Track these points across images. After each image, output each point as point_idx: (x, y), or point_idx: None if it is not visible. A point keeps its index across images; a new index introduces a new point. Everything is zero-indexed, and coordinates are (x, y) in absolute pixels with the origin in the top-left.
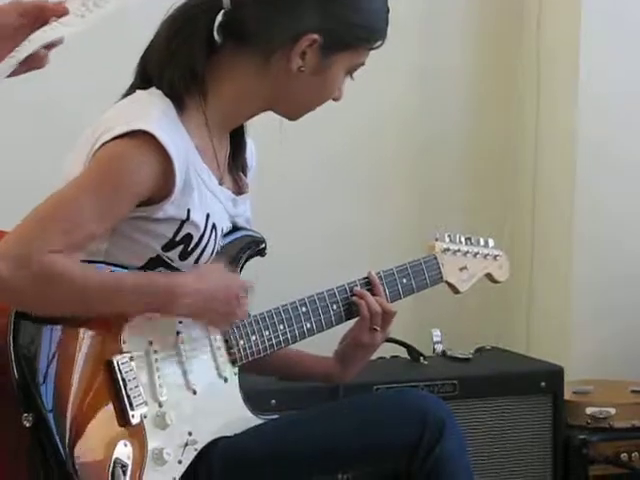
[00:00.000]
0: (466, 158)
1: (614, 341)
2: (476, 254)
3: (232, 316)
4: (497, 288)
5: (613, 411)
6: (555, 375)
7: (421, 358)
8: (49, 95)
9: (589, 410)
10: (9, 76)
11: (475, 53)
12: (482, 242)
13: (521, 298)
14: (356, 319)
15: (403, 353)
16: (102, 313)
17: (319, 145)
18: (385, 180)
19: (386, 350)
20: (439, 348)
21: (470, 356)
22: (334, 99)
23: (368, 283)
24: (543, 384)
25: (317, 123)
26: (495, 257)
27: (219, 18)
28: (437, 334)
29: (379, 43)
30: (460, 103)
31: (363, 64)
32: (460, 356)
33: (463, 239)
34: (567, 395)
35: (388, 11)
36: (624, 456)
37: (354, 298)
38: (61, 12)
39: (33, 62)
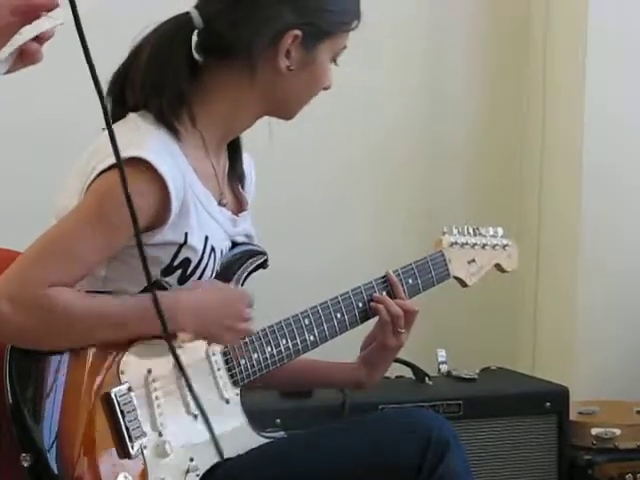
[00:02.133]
0: (473, 177)
1: (620, 362)
2: (484, 245)
3: (236, 330)
4: (503, 309)
5: (618, 432)
6: (560, 395)
7: (426, 378)
8: (37, 115)
9: (594, 431)
10: (5, 73)
11: (482, 76)
12: (491, 232)
13: (527, 319)
14: (374, 319)
15: (408, 373)
16: (106, 340)
17: (327, 162)
18: (393, 196)
19: (391, 370)
20: (444, 368)
21: (475, 376)
22: (325, 88)
23: (386, 282)
24: (548, 404)
25: (326, 140)
26: (504, 246)
27: (194, 38)
28: (442, 354)
29: (356, 23)
30: (467, 121)
31: (345, 47)
32: (465, 376)
33: (472, 230)
34: (572, 416)
35: None
36: (629, 477)
37: (372, 303)
38: (51, 6)
39: (27, 57)
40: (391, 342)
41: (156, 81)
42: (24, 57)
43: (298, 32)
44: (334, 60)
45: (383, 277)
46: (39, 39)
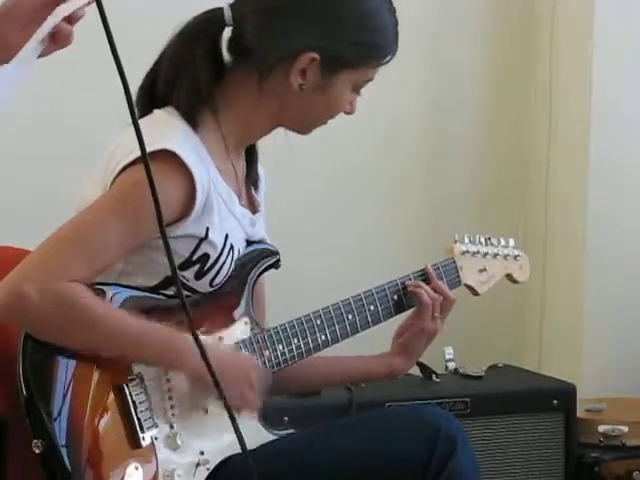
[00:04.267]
0: (479, 173)
1: (627, 359)
2: (496, 255)
3: (244, 397)
4: (510, 306)
5: (626, 429)
6: (567, 393)
7: (433, 376)
8: (53, 108)
9: (601, 428)
10: (39, 57)
11: (487, 76)
12: (503, 242)
13: (534, 316)
14: (407, 312)
15: (415, 371)
16: (108, 354)
17: (334, 160)
18: (399, 194)
19: None
20: (451, 366)
21: (482, 374)
22: (346, 113)
23: (423, 274)
24: (555, 402)
25: (331, 136)
26: (515, 257)
27: (226, 35)
28: (449, 352)
29: (387, 59)
30: (472, 123)
31: (371, 80)
32: (472, 374)
33: (483, 240)
34: (579, 413)
35: (397, 25)
36: (636, 474)
37: (410, 289)
38: None
39: (59, 39)
40: (429, 326)
41: (177, 72)
42: (57, 39)
43: (316, 55)
44: (356, 90)
45: (420, 270)
46: (70, 19)
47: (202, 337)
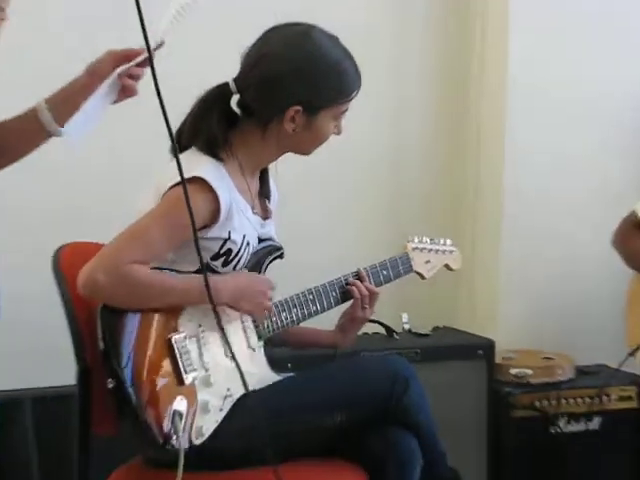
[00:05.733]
0: (425, 185)
1: (531, 323)
2: (437, 251)
3: (261, 306)
4: (449, 283)
5: (530, 372)
6: (489, 346)
7: (394, 334)
8: (123, 145)
9: (513, 371)
10: (113, 103)
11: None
12: (442, 241)
13: (465, 291)
14: (350, 302)
15: (381, 330)
16: (168, 305)
17: (315, 173)
18: (368, 214)
19: (370, 328)
20: (407, 327)
21: (429, 332)
22: (336, 134)
23: (358, 274)
24: (480, 352)
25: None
26: (451, 252)
27: (234, 99)
28: (405, 317)
29: (354, 95)
30: (425, 163)
31: (347, 110)
32: (421, 332)
33: (428, 240)
34: (497, 360)
35: (356, 66)
36: (537, 403)
37: (348, 286)
38: (139, 54)
39: (127, 91)
40: (360, 315)
41: (198, 127)
42: (125, 91)
43: (299, 107)
44: (337, 120)
45: (355, 272)
46: (133, 78)
47: (227, 275)
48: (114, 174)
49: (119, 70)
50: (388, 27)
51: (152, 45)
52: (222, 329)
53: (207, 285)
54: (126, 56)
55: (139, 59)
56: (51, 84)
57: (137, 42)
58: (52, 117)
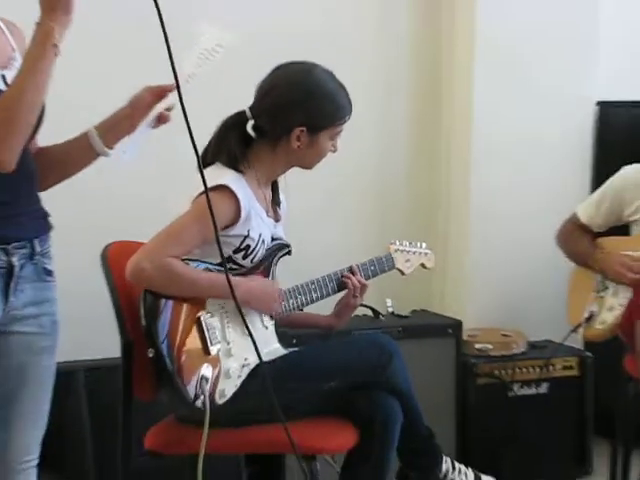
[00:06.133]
0: (406, 200)
1: (492, 306)
2: (415, 252)
3: (271, 307)
4: (424, 279)
5: (491, 346)
6: (457, 326)
7: (380, 316)
8: (164, 162)
9: (477, 346)
10: (153, 128)
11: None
12: (419, 244)
13: (437, 282)
14: (344, 291)
15: (369, 313)
16: (196, 295)
17: (316, 184)
18: (356, 218)
19: (359, 311)
20: (390, 310)
21: (409, 315)
22: (332, 152)
23: (351, 269)
24: (450, 331)
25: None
26: (426, 254)
27: (250, 124)
28: (389, 302)
29: (347, 118)
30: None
31: (341, 131)
32: (402, 314)
33: (408, 243)
34: (464, 337)
35: (348, 95)
36: (497, 372)
37: (343, 278)
38: (171, 89)
39: (162, 119)
40: (352, 302)
41: (219, 147)
42: (160, 119)
43: (303, 128)
44: (334, 139)
45: (349, 267)
46: (168, 109)
47: (242, 278)
48: (162, 181)
49: (164, 106)
50: (373, 34)
51: (181, 82)
52: (240, 310)
53: (228, 279)
54: (160, 90)
55: (170, 101)
56: (93, 118)
57: (167, 77)
58: (101, 141)
